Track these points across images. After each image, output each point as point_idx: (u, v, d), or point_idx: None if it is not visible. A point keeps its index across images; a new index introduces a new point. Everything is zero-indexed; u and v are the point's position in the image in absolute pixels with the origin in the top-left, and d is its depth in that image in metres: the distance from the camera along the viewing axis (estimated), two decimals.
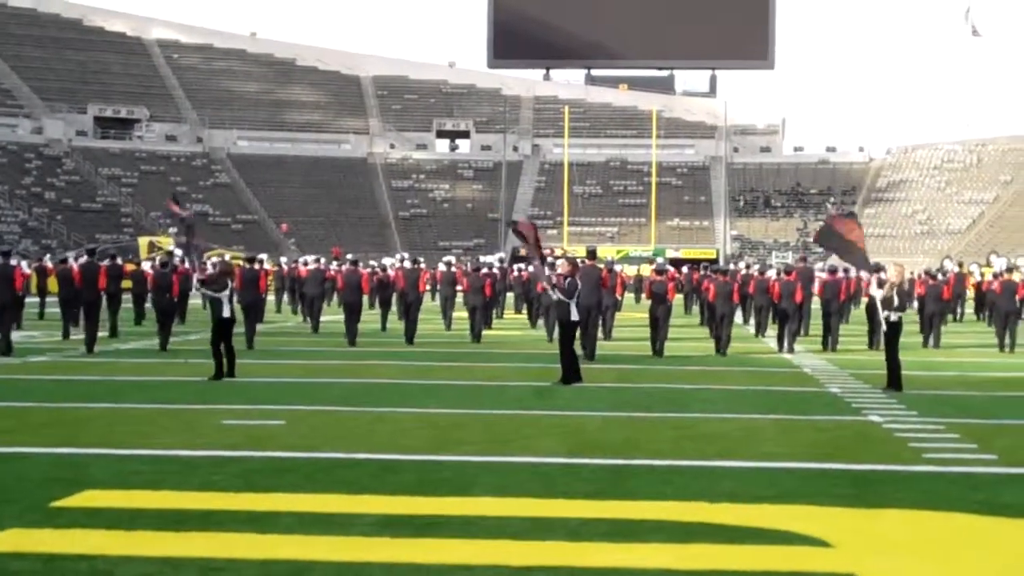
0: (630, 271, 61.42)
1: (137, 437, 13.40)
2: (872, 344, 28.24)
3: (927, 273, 30.89)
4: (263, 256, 35.90)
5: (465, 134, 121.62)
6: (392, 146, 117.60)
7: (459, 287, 34.88)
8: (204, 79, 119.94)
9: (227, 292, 20.13)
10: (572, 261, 21.93)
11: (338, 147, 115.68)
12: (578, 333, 20.99)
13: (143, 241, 71.63)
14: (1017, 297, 30.03)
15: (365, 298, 32.21)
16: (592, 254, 27.64)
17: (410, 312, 29.73)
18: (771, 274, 31.66)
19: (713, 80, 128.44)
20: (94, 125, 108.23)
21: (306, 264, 41.68)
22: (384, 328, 32.81)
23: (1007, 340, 28.51)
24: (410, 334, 29.00)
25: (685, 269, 47.91)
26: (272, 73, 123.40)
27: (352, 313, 28.52)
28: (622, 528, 9.04)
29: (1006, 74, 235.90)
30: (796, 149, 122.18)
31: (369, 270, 34.90)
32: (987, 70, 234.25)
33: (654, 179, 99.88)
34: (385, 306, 34.13)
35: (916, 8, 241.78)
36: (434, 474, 11.26)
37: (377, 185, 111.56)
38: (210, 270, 25.71)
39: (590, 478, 11.13)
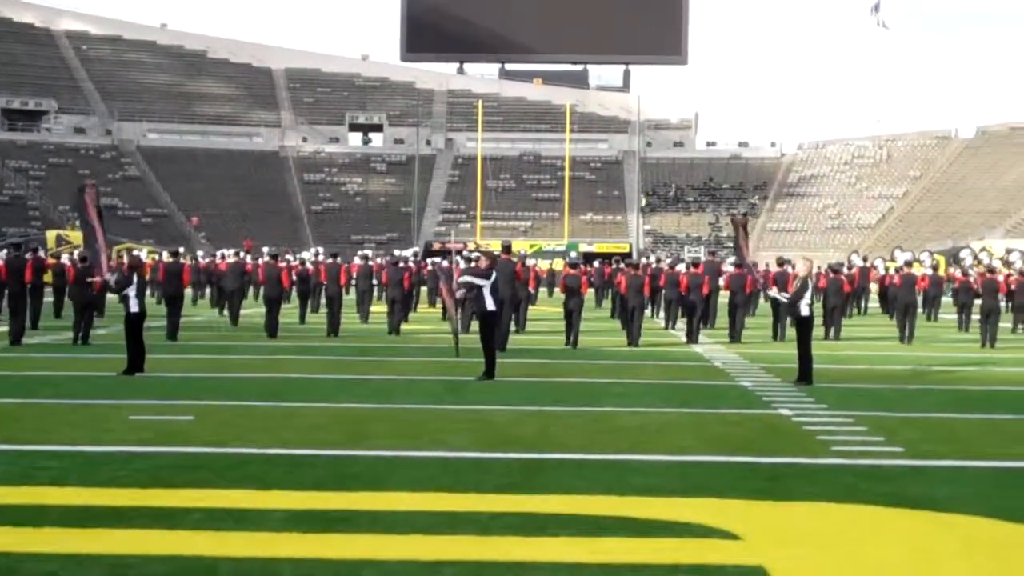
0: (543, 265, 61.47)
1: (44, 433, 13.23)
2: (776, 336, 28.92)
3: (829, 267, 31.49)
4: (181, 250, 35.92)
5: (378, 127, 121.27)
6: (304, 139, 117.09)
7: (373, 281, 35.23)
8: (113, 71, 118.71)
9: (133, 288, 19.85)
10: (490, 255, 21.96)
11: (249, 140, 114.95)
12: None
13: (51, 234, 70.84)
14: (918, 289, 31.59)
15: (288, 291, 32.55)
16: (507, 248, 27.93)
17: (332, 306, 29.87)
18: (680, 268, 32.16)
19: (627, 75, 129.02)
20: (1, 117, 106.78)
21: (224, 257, 41.57)
22: (303, 321, 32.99)
23: (907, 332, 29.30)
24: (335, 327, 29.23)
25: (596, 263, 48.09)
26: (182, 65, 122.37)
27: (273, 307, 28.66)
28: (532, 522, 9.05)
29: (915, 71, 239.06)
30: (709, 144, 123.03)
31: (285, 264, 34.78)
32: (896, 66, 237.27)
33: (567, 173, 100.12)
34: (304, 300, 34.15)
35: (828, 5, 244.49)
36: (345, 469, 11.21)
37: (289, 178, 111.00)
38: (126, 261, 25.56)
39: (501, 472, 11.13)
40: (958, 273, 40.57)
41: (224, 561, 7.95)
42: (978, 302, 30.45)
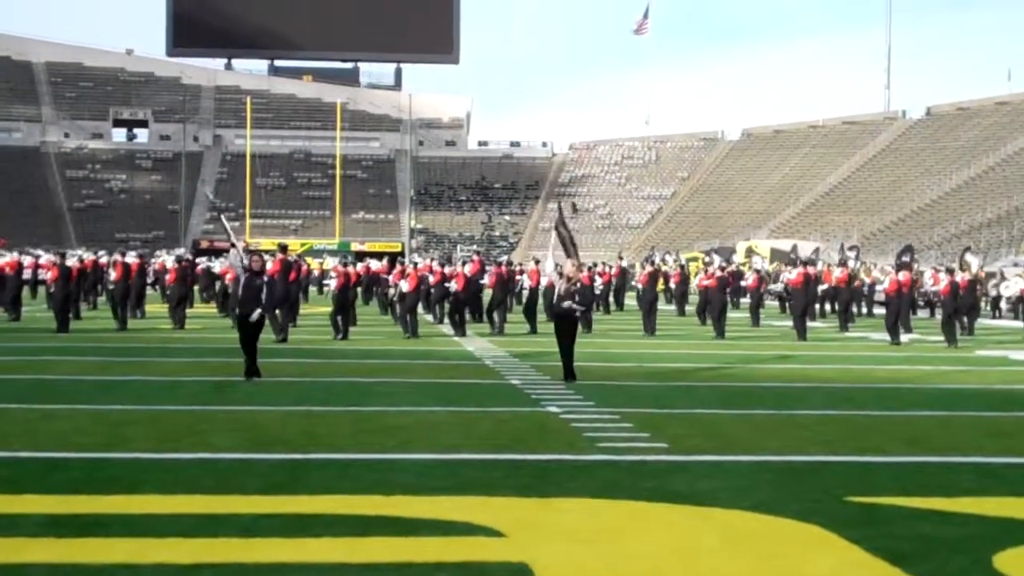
0: (314, 264, 61.57)
1: None
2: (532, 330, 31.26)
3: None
4: None
5: (143, 123, 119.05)
6: (66, 135, 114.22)
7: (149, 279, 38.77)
8: None
9: None
10: (258, 255, 21.65)
11: (9, 135, 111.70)
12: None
13: None
14: (658, 288, 35.84)
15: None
16: (284, 249, 30.04)
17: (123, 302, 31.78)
18: (455, 268, 33.68)
19: (398, 73, 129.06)
20: None
21: (2, 256, 41.45)
22: (78, 317, 33.73)
23: (650, 326, 32.23)
24: (124, 322, 31.02)
25: (368, 263, 48.42)
26: None
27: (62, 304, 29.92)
28: (296, 523, 8.91)
29: (683, 75, 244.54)
30: (481, 143, 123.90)
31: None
32: (664, 71, 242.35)
33: (338, 171, 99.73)
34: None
35: (598, 9, 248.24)
36: (101, 472, 10.86)
37: (51, 175, 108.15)
38: None
39: (265, 473, 10.93)
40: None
41: None
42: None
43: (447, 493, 10.07)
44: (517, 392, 17.89)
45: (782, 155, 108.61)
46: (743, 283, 41.98)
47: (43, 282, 41.82)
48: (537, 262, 33.43)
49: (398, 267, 33.66)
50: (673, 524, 9.13)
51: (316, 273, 56.25)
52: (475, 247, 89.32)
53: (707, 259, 54.65)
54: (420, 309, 32.32)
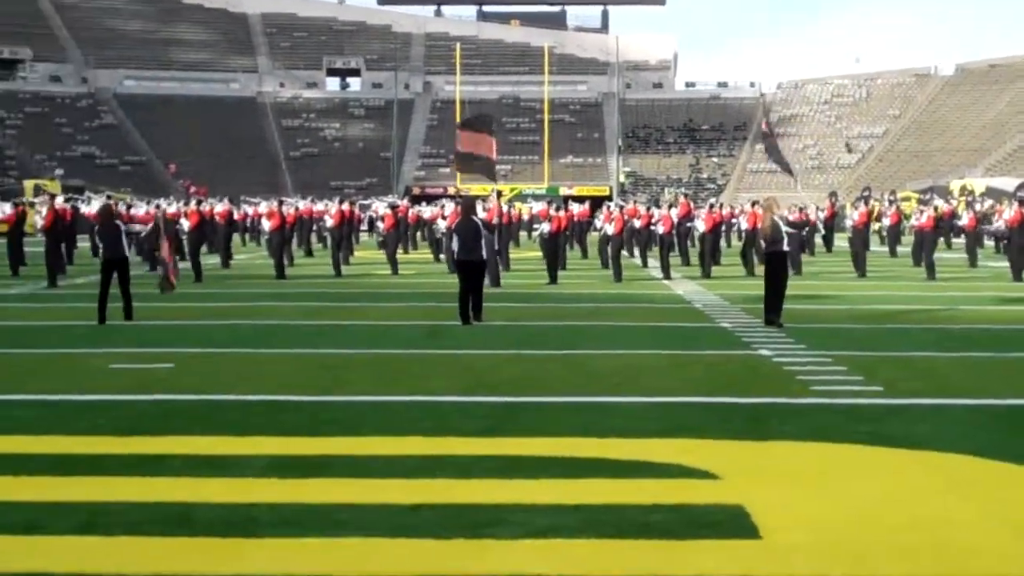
0: (524, 209, 61.81)
1: (23, 382, 13.17)
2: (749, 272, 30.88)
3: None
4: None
5: (356, 72, 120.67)
6: (281, 84, 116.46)
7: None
8: (88, 18, 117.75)
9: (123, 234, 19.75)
10: (472, 199, 21.86)
11: (227, 86, 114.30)
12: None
13: (28, 184, 70.32)
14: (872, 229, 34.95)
15: None
16: (499, 195, 30.34)
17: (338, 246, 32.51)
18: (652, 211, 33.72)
19: (605, 16, 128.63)
20: None
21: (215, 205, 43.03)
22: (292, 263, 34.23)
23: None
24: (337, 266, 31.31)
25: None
26: (157, 11, 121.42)
27: (277, 249, 31.01)
28: (512, 464, 9.03)
29: (894, 8, 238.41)
30: (688, 85, 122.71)
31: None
32: (875, 5, 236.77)
33: (546, 116, 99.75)
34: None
35: None
36: (323, 415, 11.17)
37: (267, 124, 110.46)
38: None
39: (481, 416, 11.11)
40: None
41: (202, 507, 7.91)
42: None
43: (660, 436, 10.11)
44: (728, 335, 17.80)
45: (998, 90, 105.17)
46: (959, 223, 40.94)
47: (260, 230, 42.99)
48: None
49: (605, 210, 33.63)
50: (892, 468, 9.01)
51: (526, 218, 56.18)
52: (683, 190, 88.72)
53: (924, 198, 53.46)
54: (624, 252, 32.32)
